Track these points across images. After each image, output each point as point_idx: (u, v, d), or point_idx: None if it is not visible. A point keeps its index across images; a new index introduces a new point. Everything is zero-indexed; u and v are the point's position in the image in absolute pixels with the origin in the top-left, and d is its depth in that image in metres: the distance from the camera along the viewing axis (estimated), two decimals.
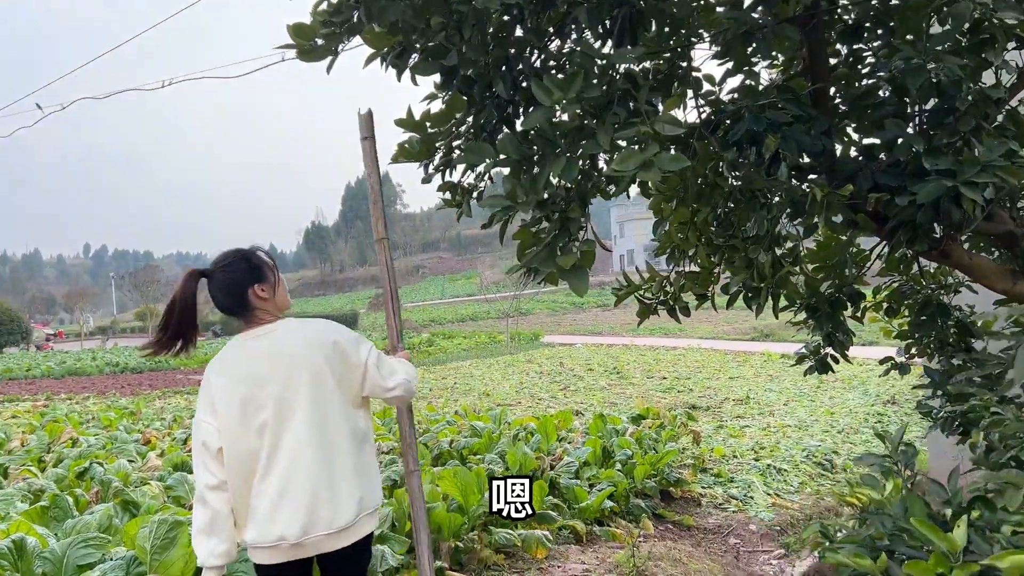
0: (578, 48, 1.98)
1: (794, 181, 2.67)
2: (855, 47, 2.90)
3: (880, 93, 2.84)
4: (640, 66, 2.31)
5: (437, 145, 2.39)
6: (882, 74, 2.69)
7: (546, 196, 1.93)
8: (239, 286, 2.24)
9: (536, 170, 1.94)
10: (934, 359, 3.52)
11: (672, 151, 1.99)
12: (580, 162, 1.93)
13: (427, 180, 2.44)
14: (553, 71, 2.08)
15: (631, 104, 1.98)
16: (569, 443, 6.24)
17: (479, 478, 4.01)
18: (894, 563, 1.01)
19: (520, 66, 2.02)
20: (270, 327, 2.27)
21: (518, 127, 2.17)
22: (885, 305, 3.57)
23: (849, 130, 2.83)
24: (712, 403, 12.39)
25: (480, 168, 2.17)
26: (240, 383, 2.17)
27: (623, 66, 1.90)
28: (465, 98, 2.16)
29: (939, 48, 2.35)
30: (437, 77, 2.60)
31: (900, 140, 2.57)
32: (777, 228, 2.71)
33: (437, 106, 3.01)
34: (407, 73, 2.48)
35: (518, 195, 1.88)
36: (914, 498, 1.10)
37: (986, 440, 2.25)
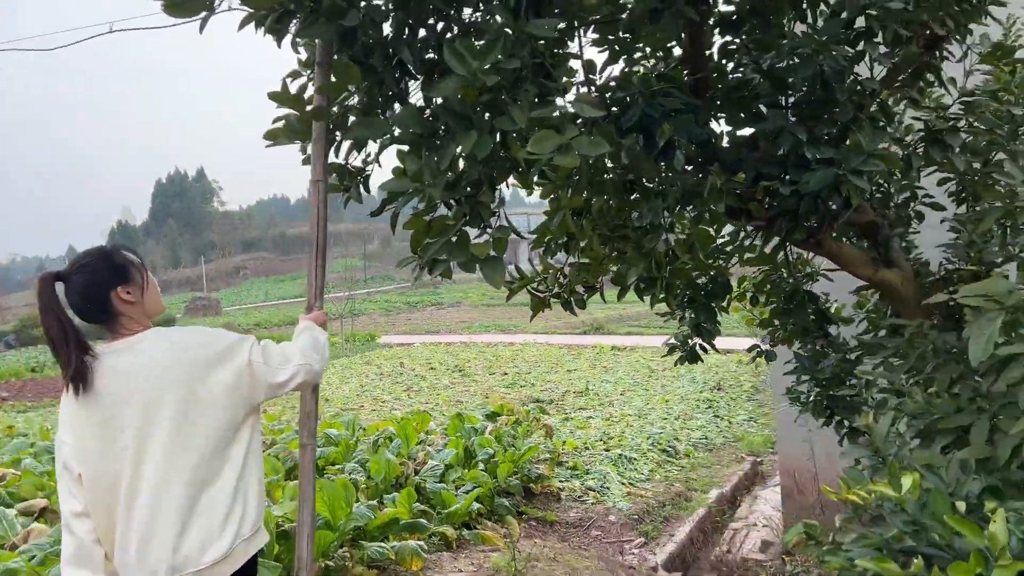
0: (492, 17, 1.81)
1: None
2: (726, 39, 2.92)
3: (751, 84, 2.87)
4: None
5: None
6: (753, 65, 2.74)
7: (454, 178, 1.74)
8: (99, 289, 1.96)
9: (440, 148, 1.75)
10: (794, 346, 3.65)
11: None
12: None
13: (309, 161, 2.17)
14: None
15: (542, 81, 1.84)
16: (430, 445, 6.05)
17: (347, 490, 3.72)
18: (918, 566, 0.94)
19: (422, 33, 1.81)
20: (135, 339, 1.98)
21: (410, 103, 1.96)
22: (749, 294, 3.68)
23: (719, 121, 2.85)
24: (554, 396, 12.62)
25: (374, 147, 1.93)
26: (99, 402, 1.90)
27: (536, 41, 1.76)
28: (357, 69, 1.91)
29: (825, 39, 2.40)
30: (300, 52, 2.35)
31: (782, 130, 2.60)
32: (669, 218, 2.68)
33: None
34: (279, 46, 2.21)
35: (424, 176, 1.68)
36: (937, 493, 1.04)
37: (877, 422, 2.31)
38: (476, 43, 1.64)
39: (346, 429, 6.12)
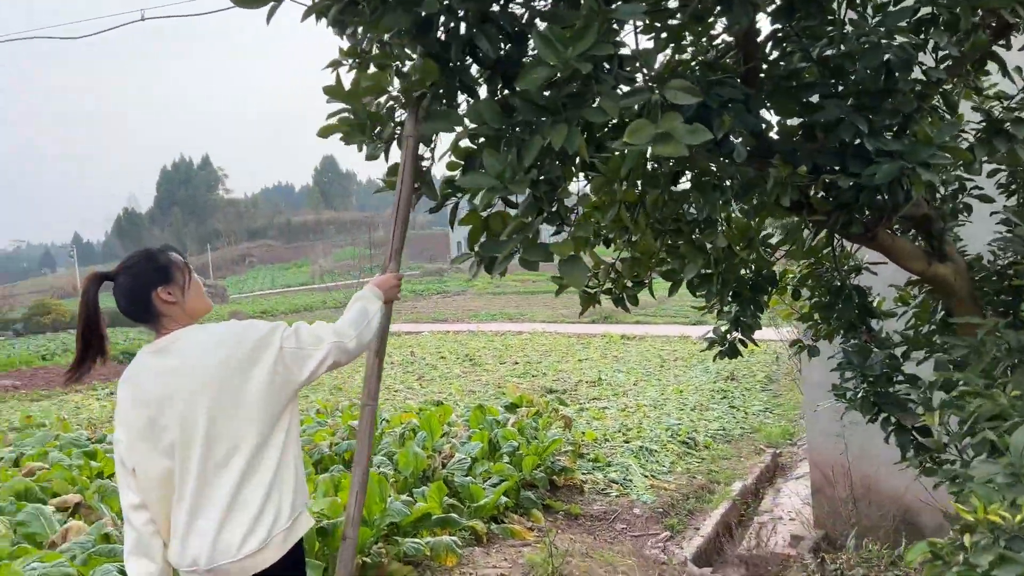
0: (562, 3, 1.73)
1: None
2: (775, 27, 2.84)
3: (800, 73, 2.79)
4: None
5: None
6: (803, 54, 2.66)
7: (537, 174, 1.67)
8: (142, 289, 2.01)
9: (523, 142, 1.68)
10: (835, 340, 3.58)
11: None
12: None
13: (374, 157, 2.11)
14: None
15: (619, 72, 1.78)
16: (453, 437, 6.00)
17: (381, 486, 3.68)
18: None
19: (500, 22, 1.74)
20: (174, 337, 2.02)
21: (487, 95, 1.89)
22: (790, 288, 3.61)
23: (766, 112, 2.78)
24: (567, 386, 12.58)
25: (451, 138, 1.86)
26: (144, 401, 1.97)
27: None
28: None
29: (892, 27, 2.33)
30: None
31: (841, 120, 2.52)
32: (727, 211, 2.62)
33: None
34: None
35: (507, 173, 1.62)
36: None
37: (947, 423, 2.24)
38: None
39: None
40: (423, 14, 1.63)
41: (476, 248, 2.16)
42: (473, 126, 1.76)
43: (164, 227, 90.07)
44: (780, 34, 2.82)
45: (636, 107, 1.70)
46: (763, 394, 11.78)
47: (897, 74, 2.44)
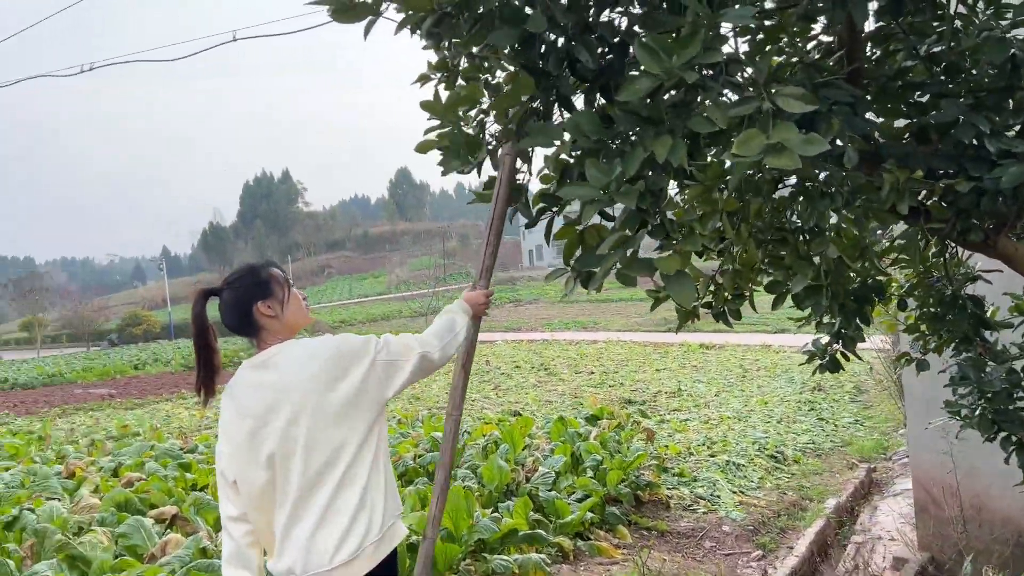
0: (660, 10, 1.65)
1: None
2: (879, 24, 2.68)
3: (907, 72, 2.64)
4: None
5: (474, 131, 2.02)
6: (909, 52, 2.51)
7: (643, 186, 1.60)
8: (244, 304, 2.07)
9: (625, 153, 1.61)
10: (944, 353, 3.37)
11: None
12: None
13: (467, 171, 2.07)
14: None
15: (727, 78, 1.68)
16: (535, 450, 5.94)
17: (468, 500, 3.64)
18: None
19: (600, 33, 1.68)
20: (273, 351, 2.06)
21: (587, 107, 1.82)
22: (896, 299, 3.42)
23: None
24: (645, 397, 12.35)
25: (548, 153, 1.80)
26: (245, 414, 2.01)
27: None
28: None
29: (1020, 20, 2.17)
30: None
31: (958, 121, 2.36)
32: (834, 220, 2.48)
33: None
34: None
35: (611, 185, 1.55)
36: None
37: None
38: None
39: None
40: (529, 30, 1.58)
41: (572, 262, 2.10)
42: (572, 139, 1.69)
43: (247, 240, 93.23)
44: (884, 32, 2.68)
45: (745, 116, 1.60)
46: (852, 405, 11.32)
47: (1023, 70, 2.27)
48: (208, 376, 2.10)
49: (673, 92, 1.61)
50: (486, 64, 2.58)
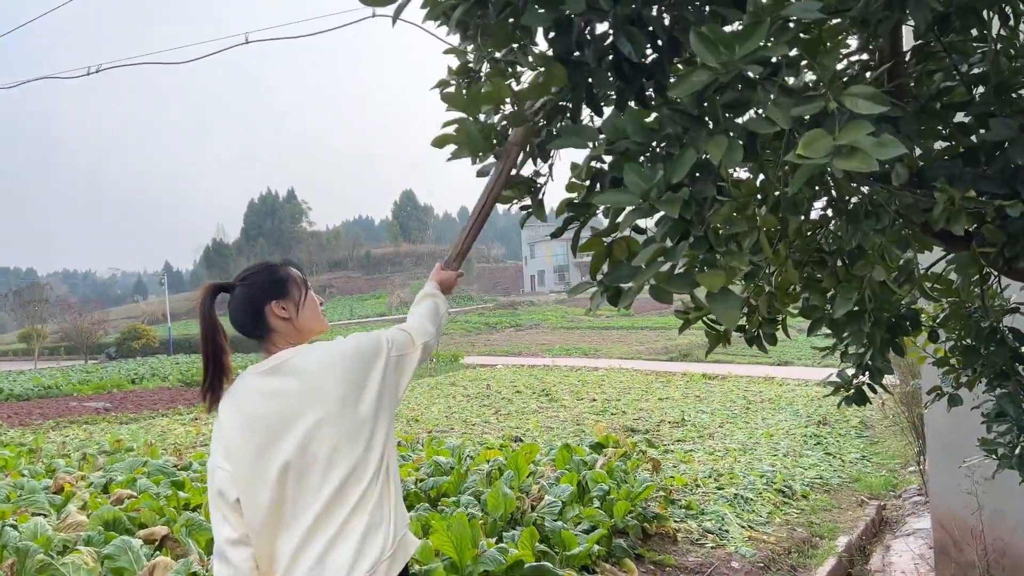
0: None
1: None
2: (919, 41, 2.57)
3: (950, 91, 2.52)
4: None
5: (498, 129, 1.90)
6: (951, 71, 2.40)
7: (687, 193, 1.46)
8: (256, 302, 1.92)
9: (673, 157, 1.47)
10: (976, 388, 3.22)
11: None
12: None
13: (484, 173, 1.95)
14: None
15: (782, 83, 1.56)
16: (540, 477, 5.76)
17: (473, 529, 3.47)
18: None
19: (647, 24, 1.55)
20: (286, 355, 1.89)
21: (630, 105, 1.69)
22: (926, 330, 3.27)
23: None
24: (648, 426, 12.16)
25: (585, 155, 1.67)
26: (255, 426, 1.83)
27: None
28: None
29: None
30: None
31: (1012, 141, 2.24)
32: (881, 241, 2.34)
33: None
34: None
35: (653, 192, 1.41)
36: None
37: None
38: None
39: (453, 456, 5.88)
40: (567, 13, 1.45)
41: (599, 277, 1.96)
42: (608, 141, 1.55)
43: (249, 257, 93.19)
44: (926, 50, 2.56)
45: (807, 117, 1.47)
46: (859, 441, 11.13)
47: None
48: (217, 377, 1.93)
49: (730, 91, 1.47)
50: (510, 70, 2.46)
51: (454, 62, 2.54)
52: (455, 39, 2.49)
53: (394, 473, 1.98)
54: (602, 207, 2.06)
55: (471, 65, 2.55)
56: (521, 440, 10.17)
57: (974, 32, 2.43)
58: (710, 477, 7.79)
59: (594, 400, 15.62)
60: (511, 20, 1.61)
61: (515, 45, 2.41)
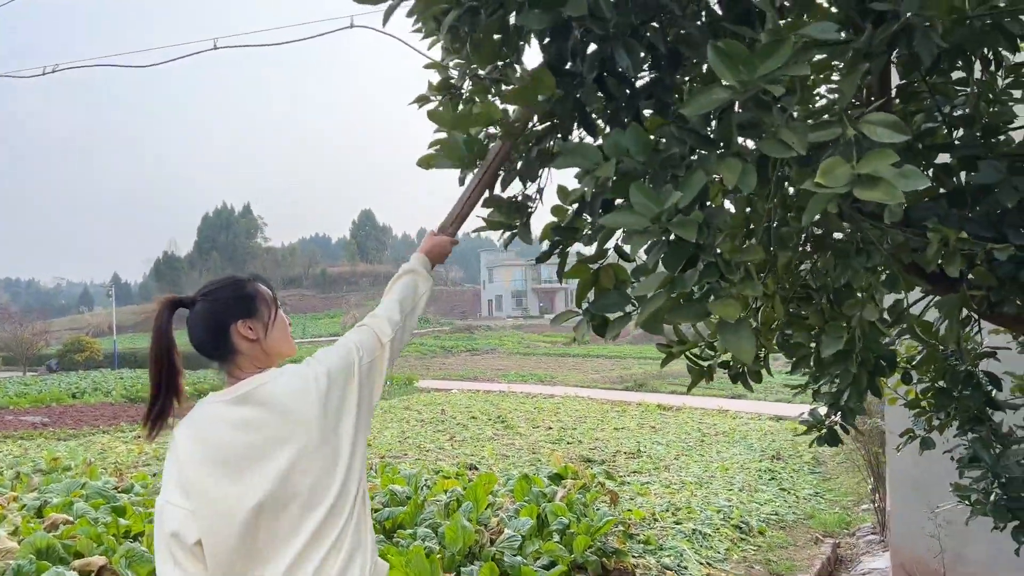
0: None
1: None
2: (903, 81, 2.54)
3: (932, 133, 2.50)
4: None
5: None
6: (932, 111, 2.39)
7: (702, 217, 1.37)
8: (221, 320, 1.74)
9: (681, 179, 1.39)
10: (946, 432, 3.20)
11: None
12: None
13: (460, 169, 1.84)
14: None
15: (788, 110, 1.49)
16: (499, 509, 5.60)
17: (432, 564, 3.31)
18: None
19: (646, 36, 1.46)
20: (254, 383, 1.71)
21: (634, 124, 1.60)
22: (901, 372, 3.24)
23: None
24: (605, 456, 12.10)
25: (584, 177, 1.56)
26: (221, 459, 1.63)
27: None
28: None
29: None
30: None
31: (999, 184, 2.21)
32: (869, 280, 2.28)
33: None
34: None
35: (664, 215, 1.32)
36: None
37: None
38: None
39: (409, 485, 5.70)
40: (565, 16, 1.35)
41: (585, 305, 1.86)
42: (616, 161, 1.46)
43: (202, 271, 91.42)
44: (909, 90, 2.54)
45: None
46: (812, 476, 11.19)
47: None
48: (168, 402, 1.74)
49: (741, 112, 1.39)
50: (494, 90, 2.37)
51: (435, 77, 2.45)
52: (436, 53, 2.40)
53: (366, 493, 1.82)
54: (586, 232, 1.98)
55: (453, 81, 2.46)
56: (476, 468, 9.99)
57: (956, 75, 2.42)
58: (667, 511, 7.72)
59: (550, 428, 15.51)
60: (500, 31, 1.50)
61: (500, 63, 2.34)
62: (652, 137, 1.54)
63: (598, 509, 6.22)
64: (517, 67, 2.28)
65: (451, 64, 2.42)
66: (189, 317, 1.78)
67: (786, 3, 1.62)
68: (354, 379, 1.76)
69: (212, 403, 1.71)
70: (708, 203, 1.63)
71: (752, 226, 2.25)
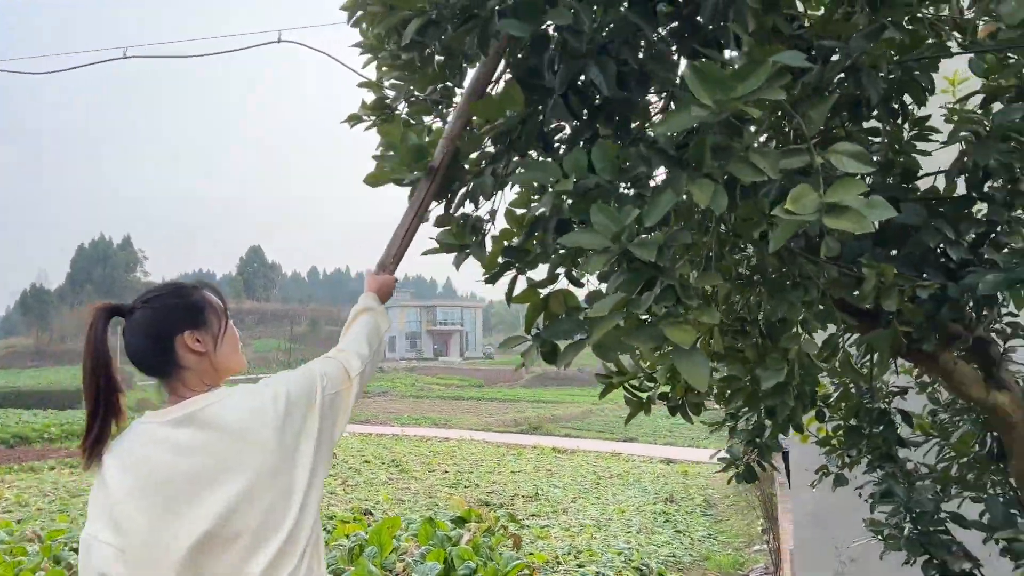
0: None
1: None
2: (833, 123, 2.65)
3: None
4: None
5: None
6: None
7: (663, 239, 1.33)
8: (164, 331, 1.55)
9: (648, 199, 1.35)
10: (855, 469, 3.29)
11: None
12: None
13: (404, 183, 1.75)
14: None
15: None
16: (403, 553, 5.37)
17: None
18: None
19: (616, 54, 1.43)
20: (200, 403, 1.51)
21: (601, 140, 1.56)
22: (814, 410, 3.32)
23: None
24: (503, 499, 11.97)
25: (543, 195, 1.49)
26: (157, 489, 1.44)
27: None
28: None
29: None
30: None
31: (923, 226, 2.31)
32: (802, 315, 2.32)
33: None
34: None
35: (624, 234, 1.28)
36: None
37: None
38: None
39: None
40: (551, 28, 1.30)
41: (535, 331, 1.79)
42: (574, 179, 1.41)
43: (73, 304, 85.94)
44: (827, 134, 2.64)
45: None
46: (704, 518, 11.42)
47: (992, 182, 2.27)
48: (107, 423, 1.53)
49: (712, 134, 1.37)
50: (437, 108, 2.30)
51: (370, 96, 2.37)
52: (371, 72, 2.31)
53: (320, 538, 1.64)
54: (536, 253, 1.92)
55: (388, 101, 2.38)
56: (371, 513, 9.64)
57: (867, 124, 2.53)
58: (569, 554, 7.66)
59: (446, 472, 15.25)
60: (465, 44, 1.44)
61: (439, 85, 2.27)
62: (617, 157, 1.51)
63: (503, 553, 6.09)
64: (457, 90, 2.23)
65: (387, 84, 2.34)
66: (126, 327, 1.58)
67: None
68: (315, 407, 1.60)
69: (148, 423, 1.52)
70: (668, 225, 1.61)
71: (711, 252, 2.26)
